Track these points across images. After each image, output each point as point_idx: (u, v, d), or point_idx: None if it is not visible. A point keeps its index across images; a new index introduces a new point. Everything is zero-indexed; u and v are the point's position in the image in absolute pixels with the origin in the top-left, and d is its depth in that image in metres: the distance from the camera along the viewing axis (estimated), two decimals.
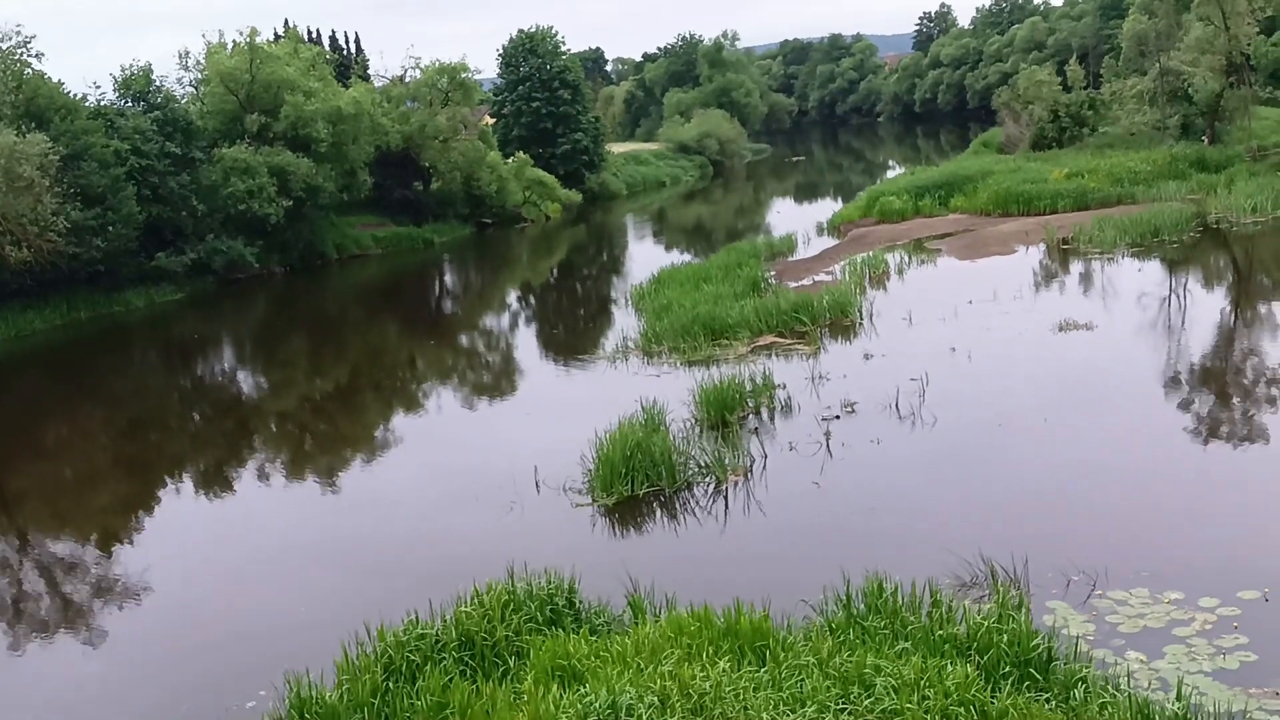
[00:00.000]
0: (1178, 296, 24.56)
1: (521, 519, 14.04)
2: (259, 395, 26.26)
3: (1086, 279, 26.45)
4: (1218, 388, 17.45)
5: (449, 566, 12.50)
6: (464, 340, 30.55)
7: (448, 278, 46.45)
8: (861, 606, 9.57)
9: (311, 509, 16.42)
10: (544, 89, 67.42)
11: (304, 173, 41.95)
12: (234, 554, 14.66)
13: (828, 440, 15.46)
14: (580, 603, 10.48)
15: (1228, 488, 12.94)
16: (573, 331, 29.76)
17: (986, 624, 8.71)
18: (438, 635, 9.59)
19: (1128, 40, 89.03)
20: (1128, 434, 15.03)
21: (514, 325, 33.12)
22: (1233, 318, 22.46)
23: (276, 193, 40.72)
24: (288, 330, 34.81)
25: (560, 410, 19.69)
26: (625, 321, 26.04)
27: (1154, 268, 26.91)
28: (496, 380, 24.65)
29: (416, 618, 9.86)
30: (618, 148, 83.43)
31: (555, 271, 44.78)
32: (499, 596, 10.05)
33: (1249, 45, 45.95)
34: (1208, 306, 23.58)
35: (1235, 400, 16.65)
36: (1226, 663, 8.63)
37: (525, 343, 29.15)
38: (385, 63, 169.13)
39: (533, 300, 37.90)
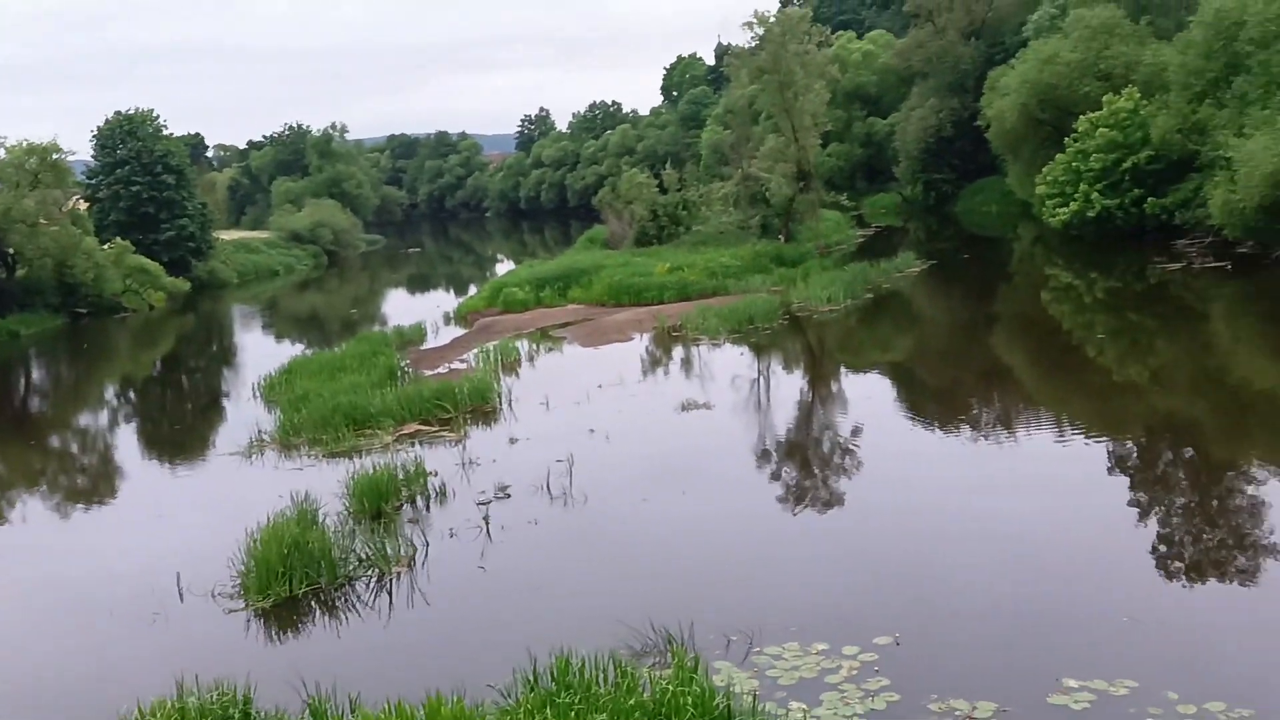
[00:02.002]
0: (775, 376, 27.63)
1: (169, 631, 13.05)
2: None
3: (698, 362, 28.87)
4: (804, 458, 19.71)
5: (92, 690, 11.38)
6: (64, 442, 27.69)
7: (37, 373, 41.80)
8: (551, 684, 9.95)
9: None
10: (145, 173, 63.50)
11: None
12: None
13: (487, 524, 15.78)
14: (257, 713, 10.01)
15: (842, 542, 14.73)
16: (196, 428, 27.92)
17: (671, 688, 9.39)
18: None
19: (707, 149, 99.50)
20: (755, 502, 16.65)
21: (124, 423, 30.41)
22: (811, 395, 25.42)
23: None
24: None
25: (197, 511, 18.44)
26: (255, 414, 24.87)
27: (752, 351, 29.87)
28: (113, 483, 22.56)
29: None
30: (228, 235, 79.71)
31: (169, 364, 41.79)
32: (169, 715, 9.40)
33: (814, 156, 52.82)
34: (795, 385, 26.73)
35: (816, 469, 18.88)
36: (875, 703, 9.79)
37: (142, 442, 26.94)
38: None
39: (149, 396, 35.06)
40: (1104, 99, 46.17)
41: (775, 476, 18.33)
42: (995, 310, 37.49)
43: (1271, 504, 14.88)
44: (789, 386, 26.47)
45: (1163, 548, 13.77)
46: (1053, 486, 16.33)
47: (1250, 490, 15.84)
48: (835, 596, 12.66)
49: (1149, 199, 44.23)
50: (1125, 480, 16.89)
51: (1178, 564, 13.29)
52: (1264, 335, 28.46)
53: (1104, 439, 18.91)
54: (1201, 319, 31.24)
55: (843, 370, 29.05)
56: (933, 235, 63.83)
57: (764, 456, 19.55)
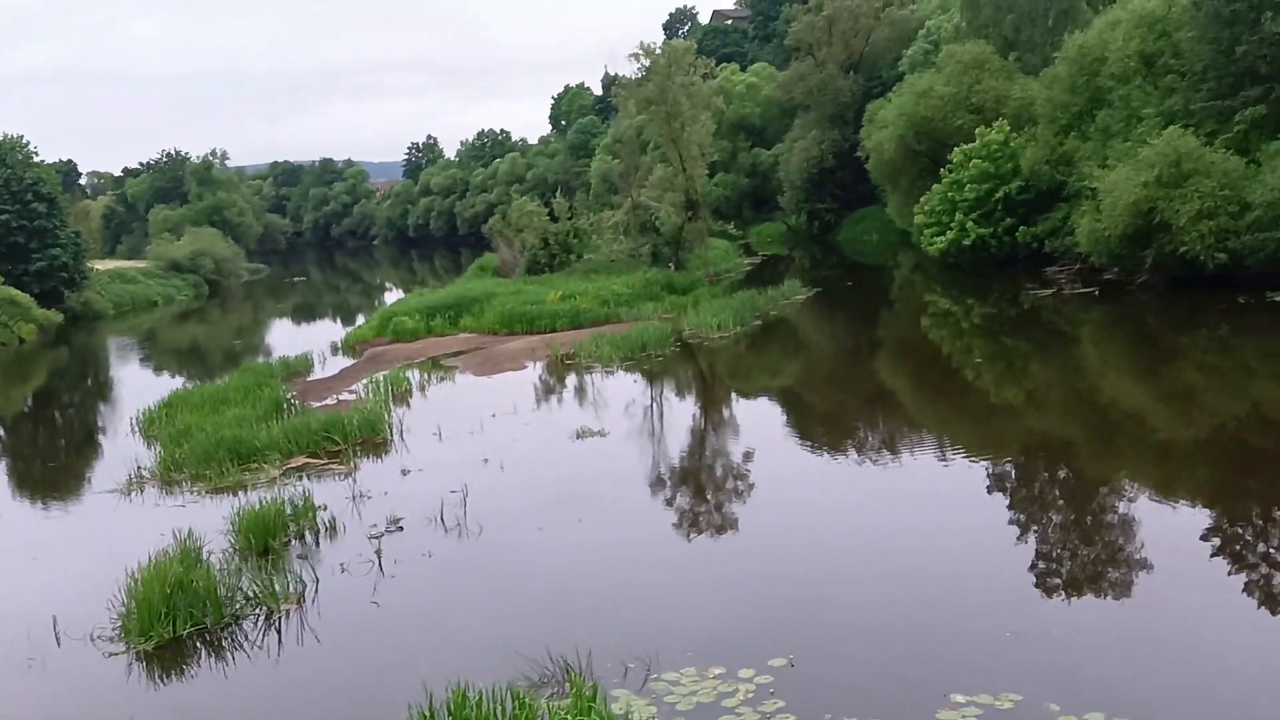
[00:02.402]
0: (668, 403, 27.87)
1: (46, 677, 12.49)
2: None
3: (592, 390, 28.93)
4: (698, 483, 19.92)
5: None
6: None
7: None
8: (448, 719, 9.84)
9: None
10: (15, 201, 61.10)
11: None
12: None
13: (379, 558, 15.52)
14: None
15: (736, 566, 14.93)
16: (71, 465, 26.72)
17: (570, 718, 9.39)
18: None
19: (596, 177, 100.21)
20: (651, 528, 16.77)
21: None
22: (704, 420, 25.74)
23: None
24: None
25: (73, 551, 17.71)
26: (134, 450, 23.99)
27: (645, 378, 30.08)
28: None
29: None
30: (102, 265, 77.00)
31: (41, 400, 40.00)
32: None
33: (701, 185, 53.64)
34: (688, 411, 27.01)
35: (710, 494, 19.12)
36: None
37: (12, 481, 25.62)
38: None
39: (19, 433, 33.43)
40: (976, 131, 48.11)
41: (670, 502, 18.48)
42: (878, 336, 38.59)
43: (1142, 520, 15.64)
44: (682, 412, 26.73)
45: (1041, 564, 14.32)
46: (936, 505, 16.88)
47: (1122, 507, 16.61)
48: (730, 620, 12.80)
49: (1021, 228, 46.16)
50: (1004, 499, 17.52)
51: (1056, 579, 13.83)
52: (1129, 358, 29.93)
53: (983, 459, 19.61)
54: (1072, 342, 32.66)
55: (734, 396, 29.49)
56: (817, 263, 65.37)
57: (658, 483, 19.69)
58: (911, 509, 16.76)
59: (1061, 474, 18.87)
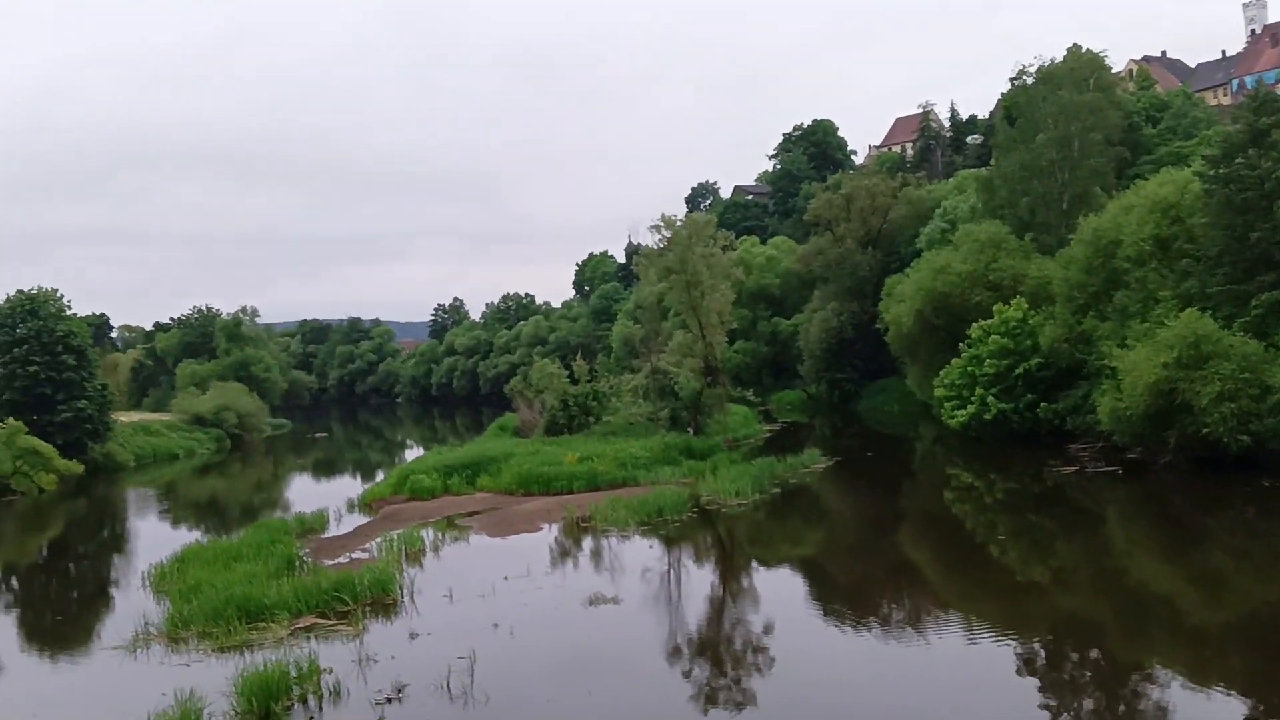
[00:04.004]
0: (685, 570, 27.36)
1: None
2: None
3: (607, 555, 28.53)
4: (715, 655, 19.38)
5: None
6: None
7: None
8: None
9: None
10: (45, 352, 62.34)
11: None
12: None
13: None
14: None
15: None
16: (79, 619, 26.32)
17: None
18: None
19: (617, 341, 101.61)
20: (666, 702, 16.23)
21: (3, 612, 28.55)
22: (722, 589, 25.22)
23: None
24: None
25: (75, 708, 17.31)
26: (143, 605, 23.68)
27: (661, 545, 29.67)
28: None
29: None
30: (127, 417, 77.73)
31: (56, 550, 39.79)
32: None
33: (720, 352, 54.18)
34: (705, 579, 26.47)
35: (728, 667, 18.57)
36: None
37: (21, 633, 25.24)
38: None
39: (31, 584, 33.16)
40: (994, 308, 48.67)
41: (686, 674, 17.95)
42: (900, 507, 38.12)
43: (1176, 708, 15.04)
44: (699, 580, 26.21)
45: None
46: (963, 688, 16.29)
47: (1155, 694, 16.00)
48: None
49: (1041, 404, 46.10)
50: (1035, 681, 16.92)
51: None
52: (1156, 539, 29.38)
53: (1011, 639, 19.03)
54: (1098, 521, 32.14)
55: (753, 564, 28.97)
56: (838, 432, 65.27)
57: (674, 653, 19.18)
58: (939, 692, 16.18)
59: (1092, 656, 18.26)
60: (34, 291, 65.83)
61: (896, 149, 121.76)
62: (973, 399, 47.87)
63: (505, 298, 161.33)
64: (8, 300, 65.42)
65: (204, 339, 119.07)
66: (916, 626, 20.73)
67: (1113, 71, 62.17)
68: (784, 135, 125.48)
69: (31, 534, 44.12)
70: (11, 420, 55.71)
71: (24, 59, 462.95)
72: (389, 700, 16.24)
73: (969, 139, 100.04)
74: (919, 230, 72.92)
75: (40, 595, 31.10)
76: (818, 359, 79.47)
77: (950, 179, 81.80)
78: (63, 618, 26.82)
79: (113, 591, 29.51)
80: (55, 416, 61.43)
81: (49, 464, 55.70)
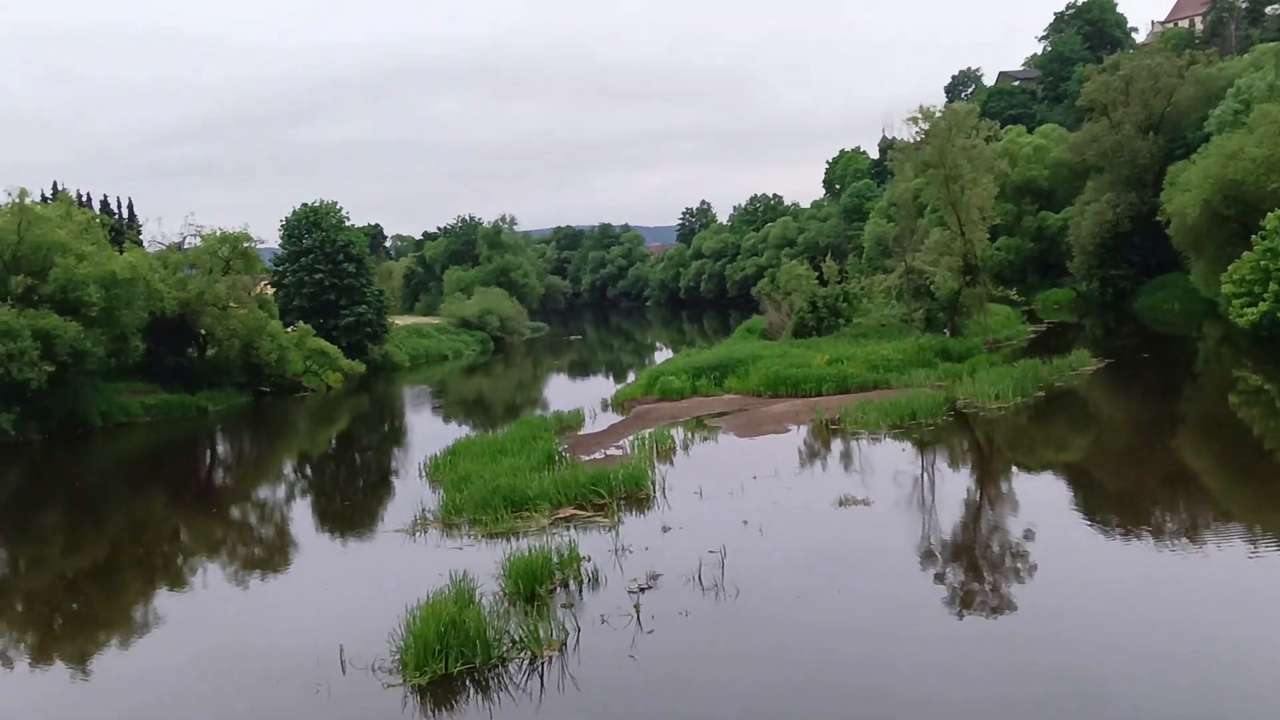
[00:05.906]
0: (939, 474, 26.57)
1: (330, 704, 13.32)
2: (3, 574, 23.89)
3: (857, 457, 28.16)
4: (971, 559, 18.80)
5: None
6: (243, 513, 29.04)
7: (222, 447, 44.30)
8: None
9: (85, 693, 14.96)
10: (328, 261, 67.49)
11: (71, 337, 39.82)
12: None
13: (638, 613, 15.62)
14: None
15: (1007, 652, 13.92)
16: (365, 504, 28.84)
17: None
18: None
19: (869, 241, 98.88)
20: (919, 604, 15.95)
21: (299, 497, 31.73)
22: (979, 494, 24.36)
23: (40, 357, 38.38)
24: (42, 503, 32.00)
25: (362, 585, 18.99)
26: (420, 493, 25.60)
27: (915, 447, 28.96)
28: (286, 554, 23.47)
29: None
30: (400, 320, 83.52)
31: (343, 442, 43.69)
32: None
33: (981, 249, 51.65)
34: (961, 483, 25.59)
35: (984, 571, 17.98)
36: None
37: (315, 516, 28.05)
38: (162, 229, 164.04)
39: (323, 472, 36.67)
40: None
41: (939, 578, 17.54)
42: (1179, 412, 35.45)
43: None
44: (955, 484, 25.41)
45: None
46: (1242, 606, 15.07)
47: None
48: (996, 709, 11.91)
49: None
50: None
51: None
52: None
53: None
54: None
55: (1013, 470, 27.82)
56: (1110, 333, 61.28)
57: (927, 556, 18.77)
58: (1212, 607, 15.06)
59: None
60: (316, 204, 71.01)
61: (1184, 23, 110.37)
62: (1266, 295, 43.58)
63: (753, 199, 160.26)
64: (294, 213, 70.93)
65: (467, 246, 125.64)
66: (1193, 536, 19.31)
67: None
68: (1055, 14, 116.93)
69: (321, 427, 48.48)
70: (301, 324, 61.01)
71: None
72: (643, 589, 16.80)
73: (1268, 9, 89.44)
74: (1208, 113, 66.33)
75: (331, 482, 34.25)
76: (1089, 255, 74.55)
77: (1246, 55, 73.72)
78: (350, 503, 29.40)
79: (393, 480, 32.08)
80: (339, 320, 66.67)
81: (335, 364, 60.81)
